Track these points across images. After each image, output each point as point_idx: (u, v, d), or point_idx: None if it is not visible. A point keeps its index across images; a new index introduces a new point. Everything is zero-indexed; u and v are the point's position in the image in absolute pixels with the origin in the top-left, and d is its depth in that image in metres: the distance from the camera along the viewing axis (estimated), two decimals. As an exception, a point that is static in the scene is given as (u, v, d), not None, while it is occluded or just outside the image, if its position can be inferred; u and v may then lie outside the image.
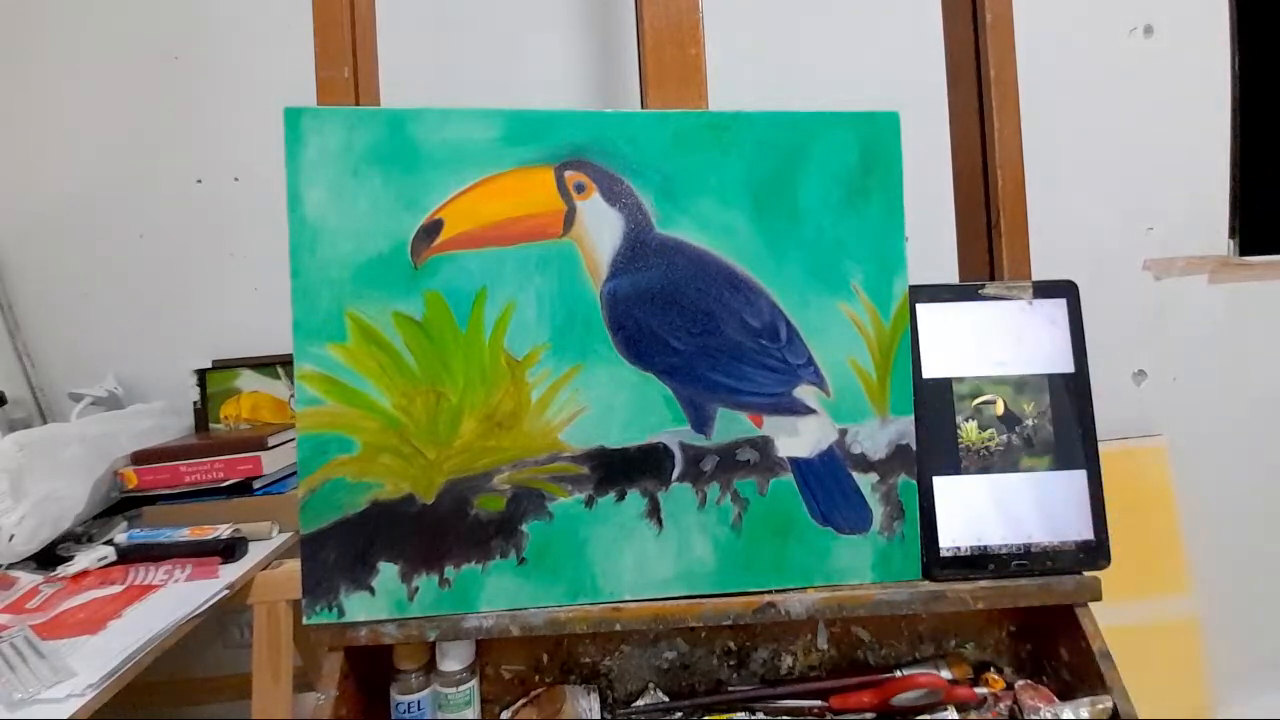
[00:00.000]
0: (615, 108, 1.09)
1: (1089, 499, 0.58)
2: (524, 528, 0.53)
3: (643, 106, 0.67)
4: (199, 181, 1.16)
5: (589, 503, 0.54)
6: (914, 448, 0.57)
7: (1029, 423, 0.59)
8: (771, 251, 0.56)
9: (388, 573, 0.52)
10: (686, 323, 0.55)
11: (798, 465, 0.56)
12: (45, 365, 1.14)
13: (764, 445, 0.56)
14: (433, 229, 0.53)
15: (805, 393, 0.56)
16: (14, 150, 1.14)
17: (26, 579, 0.81)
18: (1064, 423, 0.59)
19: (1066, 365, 0.60)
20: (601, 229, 0.55)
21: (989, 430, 0.58)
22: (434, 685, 0.57)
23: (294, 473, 0.97)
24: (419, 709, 0.57)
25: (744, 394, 0.56)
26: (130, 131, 1.15)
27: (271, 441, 0.97)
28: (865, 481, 0.57)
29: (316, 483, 0.51)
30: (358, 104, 0.61)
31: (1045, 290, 0.60)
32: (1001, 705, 0.58)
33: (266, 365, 1.13)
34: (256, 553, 0.86)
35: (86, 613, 0.73)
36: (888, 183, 0.58)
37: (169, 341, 1.14)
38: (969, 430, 0.58)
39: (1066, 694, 0.57)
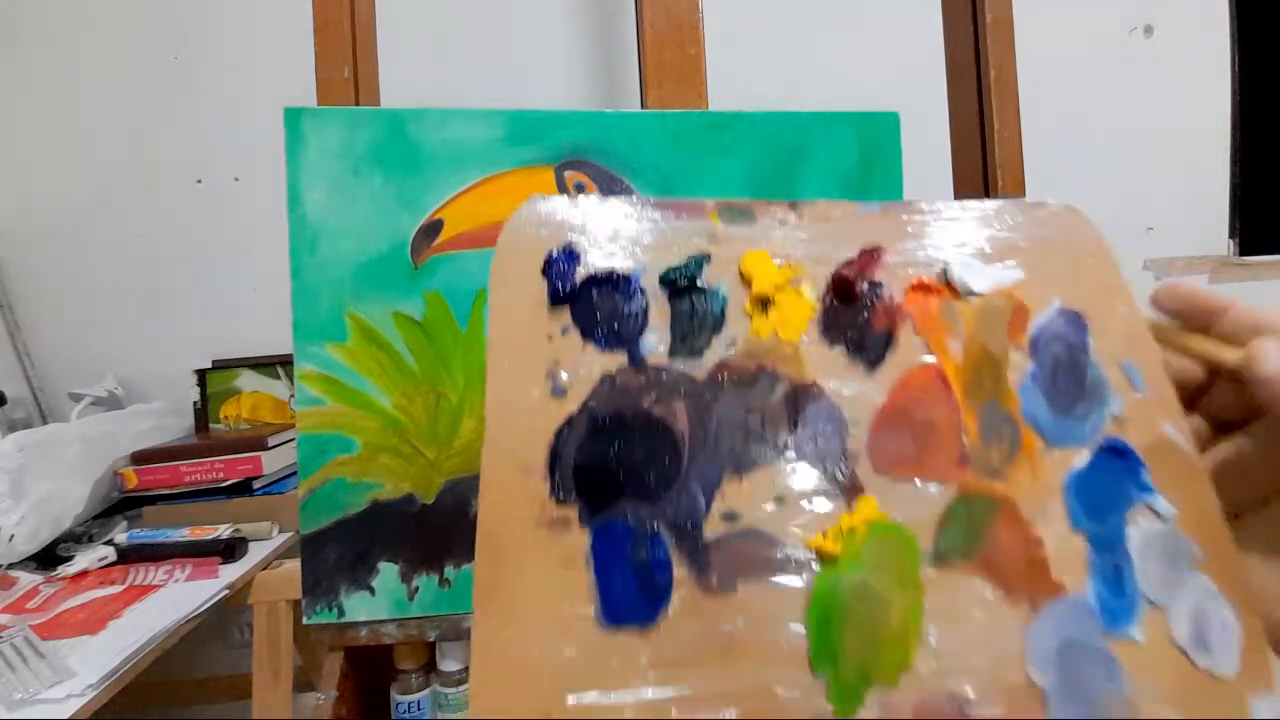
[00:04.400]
0: (615, 108, 1.09)
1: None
2: (524, 528, 0.53)
3: (643, 106, 0.67)
4: (199, 181, 1.16)
5: (589, 503, 0.54)
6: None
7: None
8: (771, 251, 0.56)
9: (388, 573, 0.52)
10: (686, 323, 0.55)
11: (798, 465, 0.56)
12: (45, 365, 1.14)
13: (764, 445, 0.56)
14: (433, 229, 0.53)
15: (805, 393, 0.56)
16: (14, 150, 1.14)
17: (26, 579, 0.81)
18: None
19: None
20: (601, 229, 0.55)
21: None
22: (434, 685, 0.57)
23: (294, 473, 0.98)
24: (419, 709, 0.57)
25: (744, 394, 0.56)
26: (130, 131, 1.15)
27: (271, 441, 0.97)
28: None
29: (316, 483, 0.51)
30: (358, 104, 0.61)
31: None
32: (1001, 705, 0.58)
33: (266, 365, 1.13)
34: (256, 553, 0.86)
35: (86, 613, 0.73)
36: (888, 183, 0.58)
37: (169, 341, 1.14)
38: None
39: (1066, 694, 0.57)
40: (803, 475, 0.26)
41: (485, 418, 0.26)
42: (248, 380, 1.12)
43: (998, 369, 0.29)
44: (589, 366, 0.27)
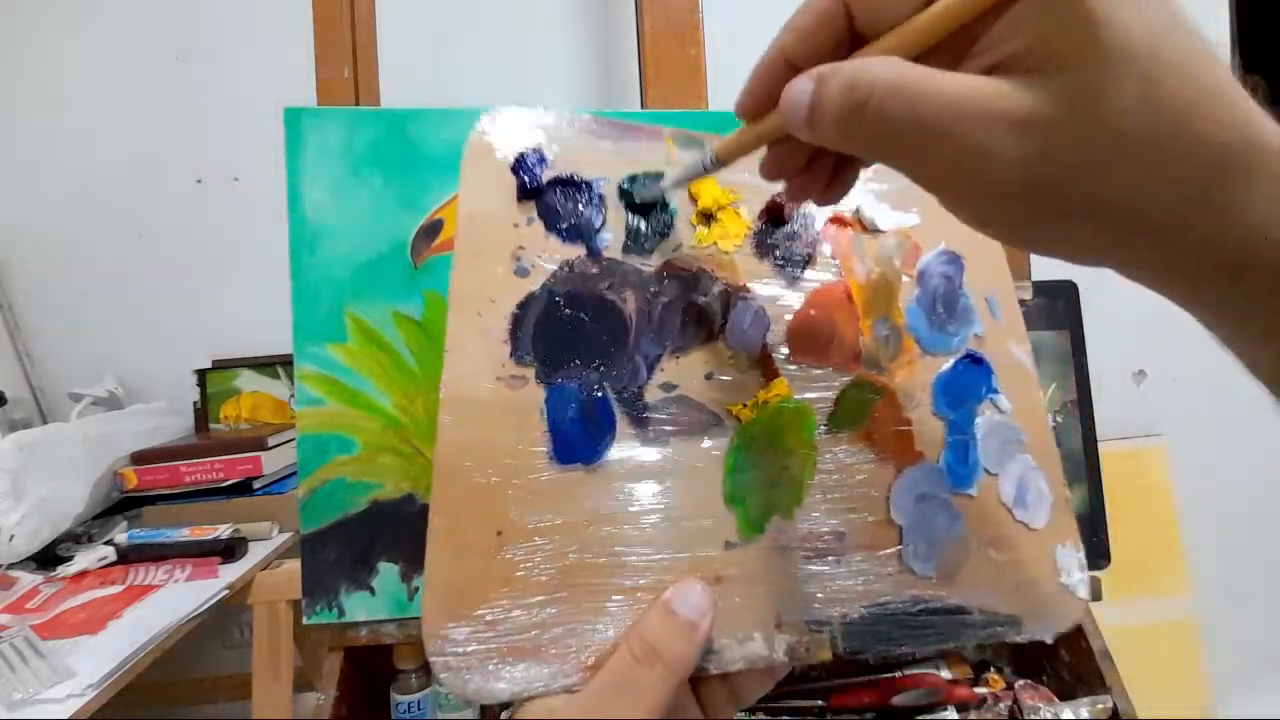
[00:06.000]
0: (615, 108, 1.09)
1: (1088, 498, 0.58)
2: (524, 528, 0.53)
3: (642, 106, 0.67)
4: (199, 181, 1.16)
5: (589, 503, 0.54)
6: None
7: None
8: (771, 251, 0.56)
9: (388, 573, 0.52)
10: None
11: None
12: (45, 365, 1.14)
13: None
14: (433, 229, 0.53)
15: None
16: (14, 150, 1.14)
17: (26, 579, 0.81)
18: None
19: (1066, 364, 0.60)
20: (601, 229, 0.55)
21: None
22: (434, 685, 0.57)
23: (294, 473, 0.97)
24: (419, 709, 0.57)
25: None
26: (130, 131, 1.15)
27: (271, 441, 0.97)
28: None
29: (316, 483, 0.51)
30: (358, 104, 0.62)
31: (1045, 290, 0.60)
32: (1001, 705, 0.58)
33: (266, 365, 1.13)
34: (256, 553, 0.86)
35: (86, 613, 0.73)
36: (888, 183, 0.58)
37: (169, 341, 1.14)
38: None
39: (1066, 694, 0.57)
40: (729, 358, 0.32)
41: (450, 287, 0.29)
42: (248, 380, 1.12)
43: (891, 291, 0.36)
44: (550, 253, 0.31)
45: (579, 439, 0.29)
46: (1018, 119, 0.19)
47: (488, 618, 0.26)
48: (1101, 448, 0.59)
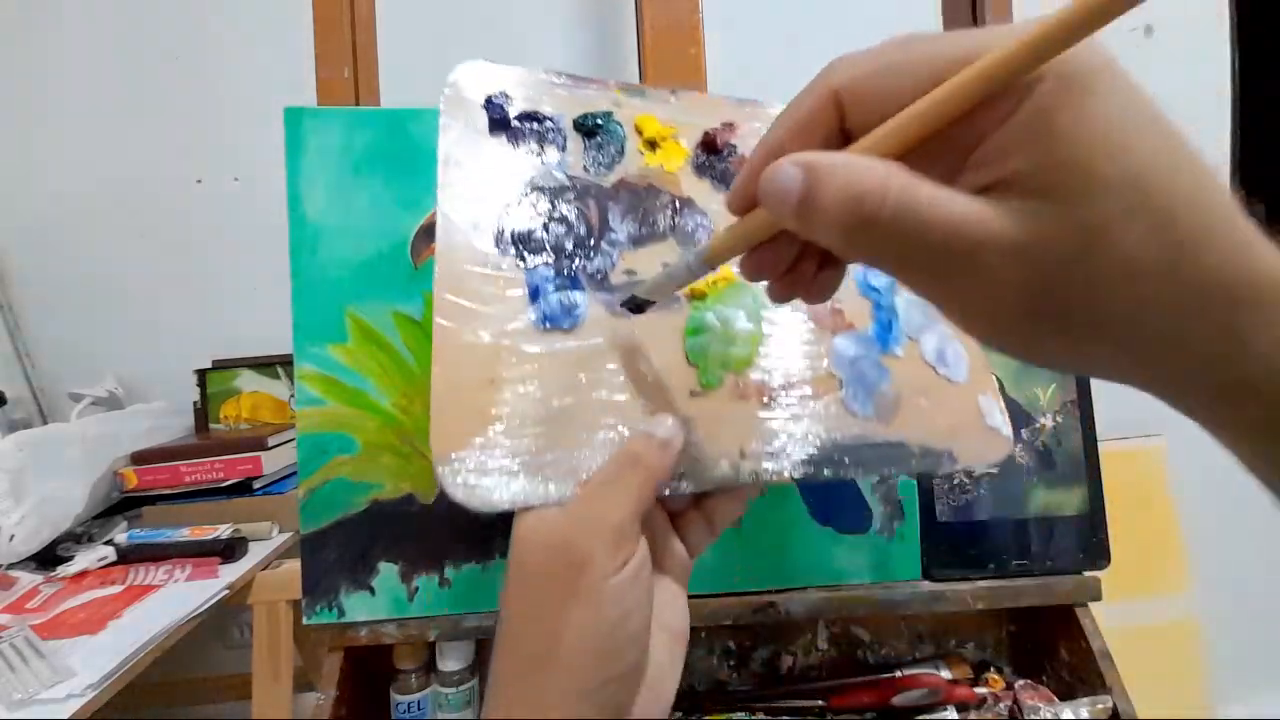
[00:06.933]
0: (615, 108, 1.09)
1: (1088, 498, 0.58)
2: (524, 528, 0.53)
3: (643, 106, 0.67)
4: (199, 181, 1.16)
5: (589, 502, 0.54)
6: (914, 448, 0.57)
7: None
8: (771, 251, 0.56)
9: (388, 573, 0.52)
10: (686, 323, 0.56)
11: (798, 465, 0.57)
12: (45, 365, 1.14)
13: (764, 445, 0.56)
14: (433, 229, 0.53)
15: (805, 393, 0.57)
16: (14, 150, 1.14)
17: (26, 579, 0.81)
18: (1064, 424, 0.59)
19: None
20: (601, 229, 0.55)
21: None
22: (434, 685, 0.57)
23: (294, 473, 0.97)
24: (419, 709, 0.57)
25: (744, 394, 0.56)
26: (130, 131, 1.15)
27: (271, 441, 0.97)
28: (865, 482, 0.57)
29: (316, 483, 0.51)
30: (358, 104, 0.62)
31: (1045, 290, 0.60)
32: (1001, 705, 0.58)
33: (266, 365, 1.13)
34: (256, 553, 0.86)
35: (86, 613, 0.73)
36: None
37: (169, 341, 1.14)
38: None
39: (1066, 694, 0.57)
40: (681, 250, 0.38)
41: (438, 198, 0.34)
42: (248, 380, 1.12)
43: None
44: (521, 173, 0.36)
45: (557, 309, 0.34)
46: (1021, 245, 0.19)
47: (488, 445, 0.30)
48: (1101, 448, 0.59)
